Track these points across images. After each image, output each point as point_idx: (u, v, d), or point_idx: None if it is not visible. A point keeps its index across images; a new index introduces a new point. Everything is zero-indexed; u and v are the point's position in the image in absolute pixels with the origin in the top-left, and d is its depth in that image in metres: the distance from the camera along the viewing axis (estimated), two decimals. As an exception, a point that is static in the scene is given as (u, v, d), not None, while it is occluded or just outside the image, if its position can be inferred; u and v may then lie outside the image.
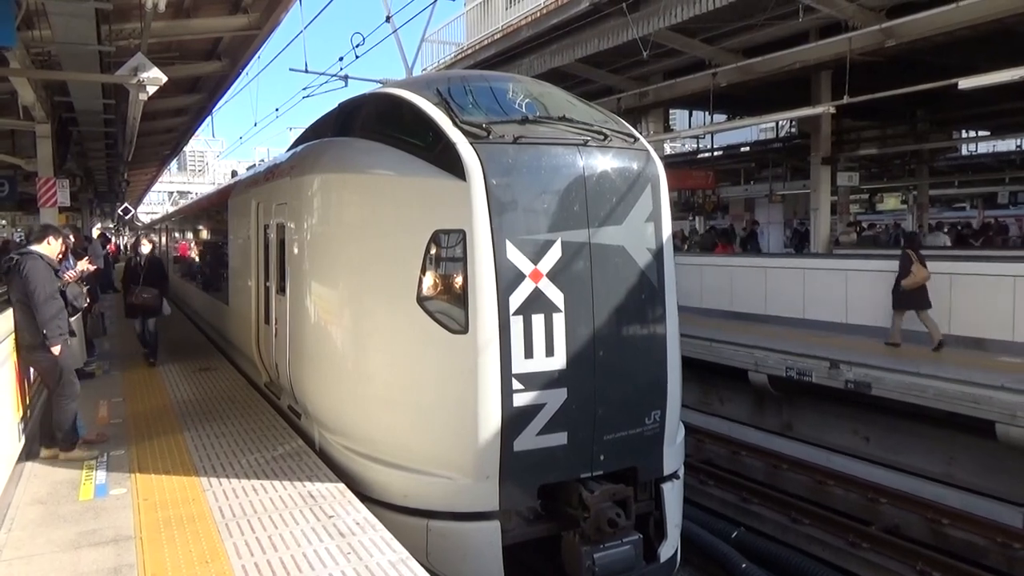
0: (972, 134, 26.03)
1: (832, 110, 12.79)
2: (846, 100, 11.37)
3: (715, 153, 24.65)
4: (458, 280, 5.06)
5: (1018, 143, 25.33)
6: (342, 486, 5.18)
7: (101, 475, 5.46)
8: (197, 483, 5.26)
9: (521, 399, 4.99)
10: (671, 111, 22.40)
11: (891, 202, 35.73)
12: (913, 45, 11.12)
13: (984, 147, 28.76)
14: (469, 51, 17.88)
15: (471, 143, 5.12)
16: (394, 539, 4.35)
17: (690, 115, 23.03)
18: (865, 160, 22.93)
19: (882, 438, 9.32)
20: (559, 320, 5.08)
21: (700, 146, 25.53)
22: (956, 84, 9.75)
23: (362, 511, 4.76)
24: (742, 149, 26.21)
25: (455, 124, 5.26)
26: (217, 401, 7.66)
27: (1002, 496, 7.79)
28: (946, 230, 22.72)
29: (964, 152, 28.24)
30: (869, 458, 9.12)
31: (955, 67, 10.52)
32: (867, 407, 9.31)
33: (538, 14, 14.76)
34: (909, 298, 9.74)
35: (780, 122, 23.45)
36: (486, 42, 16.92)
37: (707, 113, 18.57)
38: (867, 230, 27.90)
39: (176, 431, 6.57)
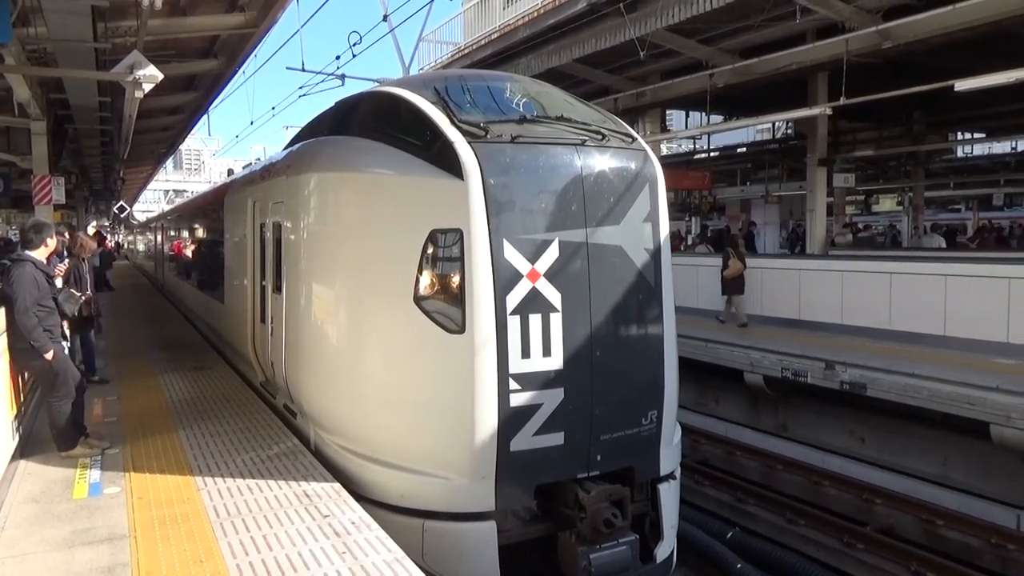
0: (968, 136, 26.09)
1: (828, 111, 12.83)
2: (842, 101, 11.39)
3: (711, 154, 24.67)
4: (455, 280, 5.03)
5: (1013, 145, 25.40)
6: (337, 485, 5.17)
7: (95, 474, 5.44)
8: (192, 482, 5.23)
9: (518, 399, 4.97)
10: (668, 111, 22.38)
11: (887, 204, 35.82)
12: (909, 47, 11.13)
13: (979, 149, 28.83)
14: (466, 51, 17.87)
15: (469, 142, 5.08)
16: (389, 539, 4.34)
17: (687, 116, 23.00)
18: (861, 162, 22.99)
19: (877, 439, 9.34)
20: (556, 320, 5.07)
21: (697, 147, 25.56)
22: (952, 86, 9.78)
23: (357, 511, 4.74)
24: (739, 150, 26.22)
25: (453, 123, 5.22)
26: (212, 400, 7.63)
27: (997, 497, 7.81)
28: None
29: (959, 154, 28.30)
30: (864, 459, 9.14)
31: (951, 69, 10.54)
32: (862, 408, 9.33)
33: (535, 14, 14.75)
34: (730, 285, 12.14)
35: (777, 123, 23.48)
36: (483, 42, 16.91)
37: (704, 114, 18.60)
38: (862, 231, 27.96)
39: (171, 430, 6.54)
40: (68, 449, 5.78)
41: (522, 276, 4.99)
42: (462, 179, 4.96)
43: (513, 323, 4.95)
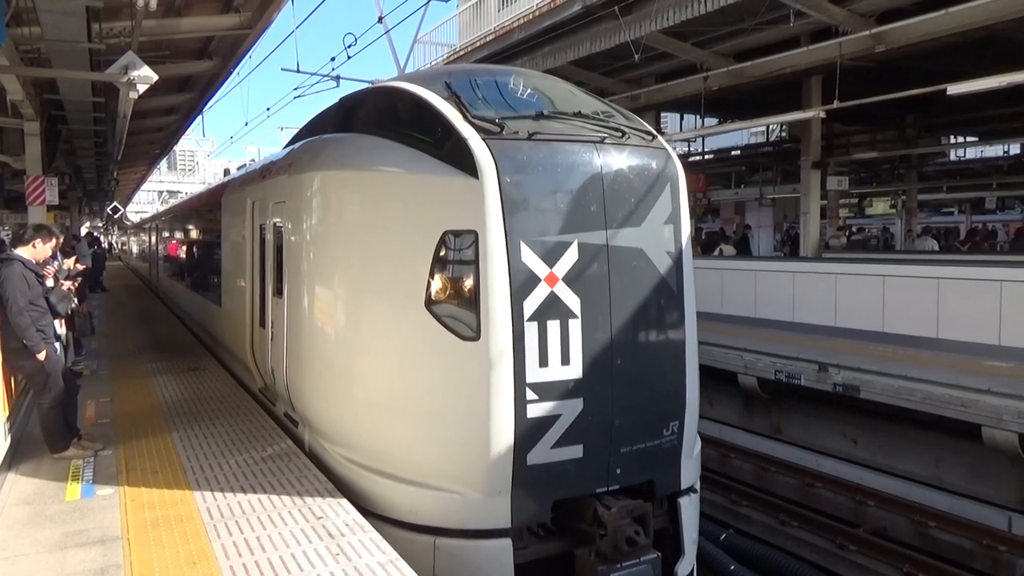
0: (960, 139, 26.21)
1: (822, 114, 12.89)
2: (836, 105, 11.45)
3: (706, 156, 24.73)
4: (469, 284, 4.77)
5: (1005, 148, 25.54)
6: (332, 487, 5.12)
7: (88, 475, 5.41)
8: (185, 484, 5.20)
9: (535, 410, 4.71)
10: (662, 114, 22.45)
11: (880, 206, 35.95)
12: (903, 51, 11.21)
13: (972, 152, 28.96)
14: (462, 52, 17.88)
15: (483, 139, 4.80)
16: (383, 541, 4.29)
17: (681, 118, 23.07)
18: (855, 164, 23.09)
19: (870, 441, 9.37)
20: (575, 326, 4.80)
21: (691, 149, 25.64)
22: (945, 90, 9.84)
23: (352, 512, 4.70)
24: (733, 153, 26.30)
25: (466, 119, 4.94)
26: (206, 402, 7.59)
27: (989, 499, 7.85)
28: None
29: (952, 157, 28.44)
30: (857, 461, 9.17)
31: (944, 73, 10.62)
32: (856, 410, 9.36)
33: (530, 16, 14.76)
34: None
35: (771, 126, 23.56)
36: (478, 44, 16.91)
37: (698, 116, 18.65)
38: (855, 234, 28.09)
39: (164, 431, 6.50)
40: (60, 451, 5.75)
41: (540, 280, 4.73)
42: (477, 178, 4.70)
43: (530, 330, 4.69)
